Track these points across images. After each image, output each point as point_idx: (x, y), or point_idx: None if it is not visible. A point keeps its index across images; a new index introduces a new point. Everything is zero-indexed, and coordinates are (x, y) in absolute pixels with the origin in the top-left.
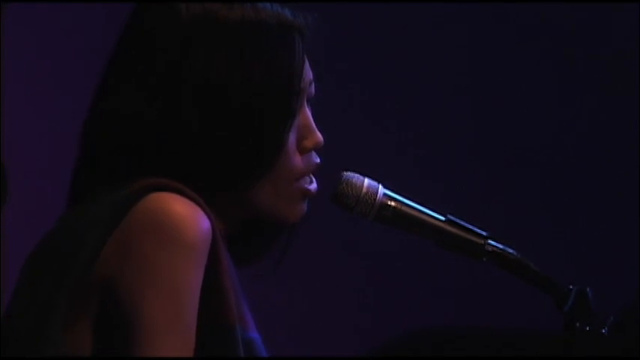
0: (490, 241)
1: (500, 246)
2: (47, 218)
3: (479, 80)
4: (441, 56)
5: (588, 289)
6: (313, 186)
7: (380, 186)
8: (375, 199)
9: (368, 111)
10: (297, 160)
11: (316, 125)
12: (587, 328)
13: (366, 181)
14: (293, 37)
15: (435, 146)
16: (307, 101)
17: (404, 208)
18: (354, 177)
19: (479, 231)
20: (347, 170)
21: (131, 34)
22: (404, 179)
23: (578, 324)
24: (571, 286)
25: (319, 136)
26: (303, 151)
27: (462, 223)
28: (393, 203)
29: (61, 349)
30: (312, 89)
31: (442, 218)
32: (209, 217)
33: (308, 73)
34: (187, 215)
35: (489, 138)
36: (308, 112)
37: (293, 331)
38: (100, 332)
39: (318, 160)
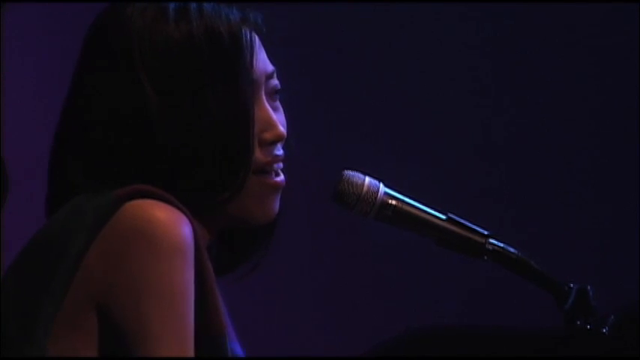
0: (491, 240)
1: (501, 244)
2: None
3: (480, 79)
4: (443, 55)
5: (589, 288)
6: (280, 178)
7: (381, 184)
8: (375, 198)
9: (369, 109)
10: (256, 153)
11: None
12: (588, 327)
13: (367, 179)
14: (241, 34)
15: (437, 145)
16: (269, 95)
17: (405, 206)
18: (355, 175)
19: (480, 230)
20: (348, 169)
21: (92, 41)
22: (405, 178)
23: (578, 322)
24: (572, 285)
25: (280, 128)
26: (262, 143)
27: (463, 221)
28: (393, 202)
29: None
30: (273, 82)
31: (443, 217)
32: (191, 222)
33: (263, 66)
34: (169, 220)
35: (490, 137)
36: (267, 105)
37: (292, 332)
38: (100, 348)
39: (280, 152)
